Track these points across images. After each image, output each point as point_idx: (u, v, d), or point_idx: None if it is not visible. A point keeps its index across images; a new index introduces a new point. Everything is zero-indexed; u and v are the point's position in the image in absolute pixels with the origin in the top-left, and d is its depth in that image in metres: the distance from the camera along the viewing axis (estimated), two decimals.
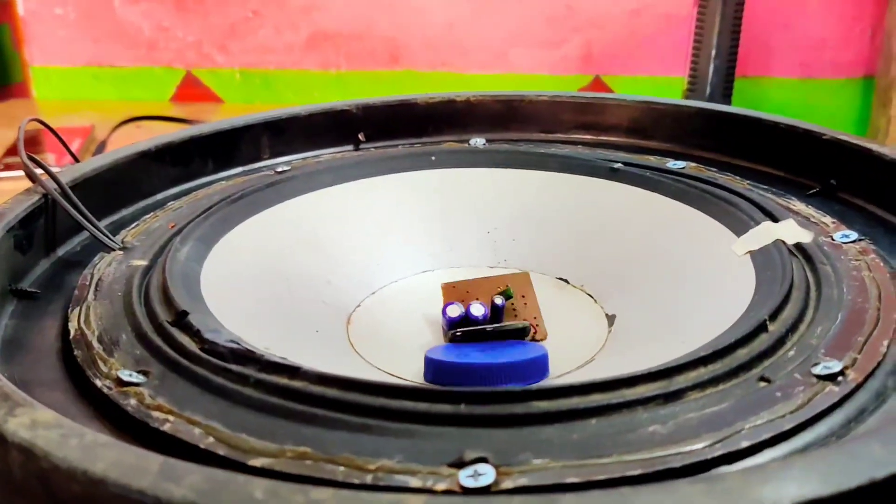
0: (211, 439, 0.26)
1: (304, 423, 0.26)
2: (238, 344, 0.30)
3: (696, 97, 1.01)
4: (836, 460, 0.21)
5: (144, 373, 0.30)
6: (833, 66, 1.17)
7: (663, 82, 1.18)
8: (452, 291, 0.41)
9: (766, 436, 0.26)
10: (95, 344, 0.32)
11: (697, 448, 0.25)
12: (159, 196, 0.49)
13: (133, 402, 0.28)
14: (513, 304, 0.41)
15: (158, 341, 0.31)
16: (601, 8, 1.18)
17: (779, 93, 1.18)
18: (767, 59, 1.17)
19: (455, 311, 0.39)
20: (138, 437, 0.27)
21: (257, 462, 0.25)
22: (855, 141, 0.47)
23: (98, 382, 0.30)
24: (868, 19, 1.13)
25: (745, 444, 0.25)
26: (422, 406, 0.27)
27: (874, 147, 0.45)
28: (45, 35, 1.38)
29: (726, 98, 1.00)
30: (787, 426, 0.26)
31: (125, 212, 0.47)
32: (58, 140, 0.49)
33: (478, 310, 0.39)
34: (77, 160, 0.49)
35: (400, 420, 0.26)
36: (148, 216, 0.45)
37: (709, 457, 0.25)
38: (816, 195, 0.47)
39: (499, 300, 0.39)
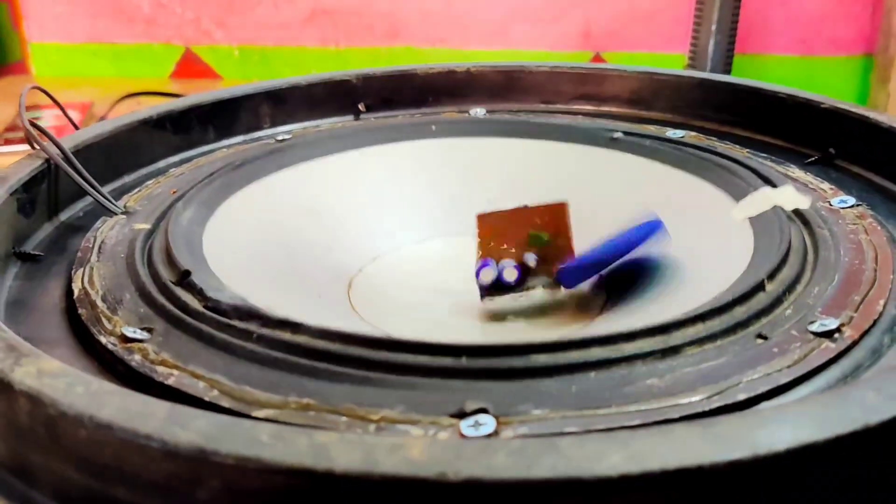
0: (215, 392, 0.26)
1: (306, 376, 0.27)
2: (241, 301, 0.30)
3: None
4: (831, 406, 0.22)
5: (148, 329, 0.30)
6: (833, 44, 1.17)
7: (663, 59, 1.17)
8: (486, 224, 0.41)
9: (762, 389, 0.26)
10: (99, 303, 0.32)
11: (695, 400, 0.26)
12: (161, 163, 0.49)
13: (138, 357, 0.29)
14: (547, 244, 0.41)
15: (162, 299, 0.32)
16: None
17: (778, 70, 1.17)
18: (767, 36, 1.17)
19: (488, 276, 0.39)
20: (144, 391, 0.27)
21: (261, 413, 0.25)
22: (853, 109, 0.47)
23: (103, 339, 0.30)
24: None
25: (741, 396, 0.26)
26: (422, 359, 0.27)
27: (872, 115, 0.45)
28: (43, 11, 1.37)
29: (726, 75, 1.00)
30: (784, 380, 0.27)
31: (127, 178, 0.47)
32: (57, 107, 0.49)
33: (510, 274, 0.39)
34: (77, 128, 0.49)
35: (401, 373, 0.26)
36: (150, 182, 0.45)
37: (706, 409, 0.25)
38: (815, 163, 0.47)
39: (531, 260, 0.40)
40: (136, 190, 0.44)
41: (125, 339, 0.30)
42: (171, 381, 0.27)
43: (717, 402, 0.26)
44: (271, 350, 0.28)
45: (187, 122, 0.51)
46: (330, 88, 0.57)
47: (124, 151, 0.47)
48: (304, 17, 1.30)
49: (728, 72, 1.02)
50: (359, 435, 0.20)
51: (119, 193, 0.45)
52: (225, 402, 0.26)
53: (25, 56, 1.41)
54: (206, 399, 0.26)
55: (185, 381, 0.27)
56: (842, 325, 0.30)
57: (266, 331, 0.29)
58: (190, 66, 1.37)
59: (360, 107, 0.57)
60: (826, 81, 1.17)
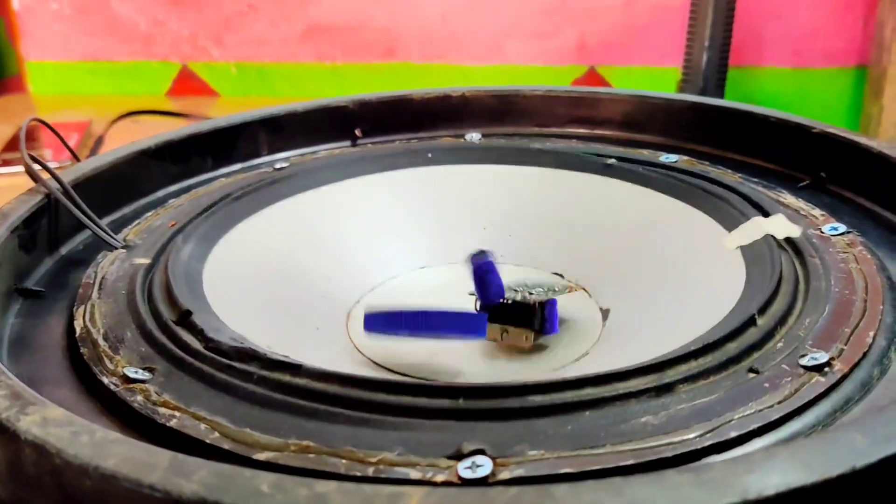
0: (216, 434, 0.27)
1: (306, 417, 0.27)
2: (240, 342, 0.31)
3: (689, 87, 1.02)
4: (819, 450, 0.22)
5: (150, 370, 0.31)
6: (825, 56, 1.18)
7: (658, 73, 1.18)
8: None
9: (754, 426, 0.27)
10: (101, 341, 0.33)
11: (688, 438, 0.26)
12: (160, 193, 0.50)
13: (140, 398, 0.29)
14: None
15: (163, 339, 0.32)
16: None
17: (771, 82, 1.18)
18: (760, 48, 1.18)
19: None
20: (145, 433, 0.28)
21: (262, 456, 0.26)
22: (844, 134, 0.47)
23: (105, 379, 0.30)
24: (860, 8, 1.14)
25: (733, 433, 0.26)
26: (421, 401, 0.27)
27: (862, 140, 0.46)
28: (40, 30, 1.38)
29: (720, 88, 1.01)
30: (775, 416, 0.27)
31: (126, 210, 0.48)
32: (57, 137, 0.49)
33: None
34: (77, 158, 0.49)
35: (399, 414, 0.27)
36: (149, 214, 0.46)
37: (699, 446, 0.26)
38: (807, 188, 0.48)
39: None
40: (136, 222, 0.44)
41: (127, 380, 0.30)
42: (173, 424, 0.28)
43: (709, 440, 0.26)
44: (271, 392, 0.28)
45: (186, 152, 0.51)
46: (327, 114, 0.57)
47: (123, 183, 0.48)
48: (300, 34, 1.31)
49: (722, 85, 1.03)
50: (357, 485, 0.21)
51: (119, 225, 0.45)
52: (226, 445, 0.26)
53: (22, 74, 1.42)
54: (208, 441, 0.27)
55: (186, 423, 0.28)
56: (832, 358, 0.30)
57: (266, 372, 0.29)
58: (187, 83, 1.38)
59: (357, 132, 0.58)
60: (819, 94, 1.18)
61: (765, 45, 1.18)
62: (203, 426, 0.27)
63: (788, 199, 0.45)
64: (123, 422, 0.29)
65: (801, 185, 0.48)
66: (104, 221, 0.45)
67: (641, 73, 1.20)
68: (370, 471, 0.25)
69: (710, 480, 0.21)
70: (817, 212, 0.43)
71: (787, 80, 1.18)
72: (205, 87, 1.38)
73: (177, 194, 0.49)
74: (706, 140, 0.54)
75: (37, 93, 1.42)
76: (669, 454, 0.25)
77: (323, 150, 0.56)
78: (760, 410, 0.27)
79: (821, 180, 0.48)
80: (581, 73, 1.22)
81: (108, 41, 1.37)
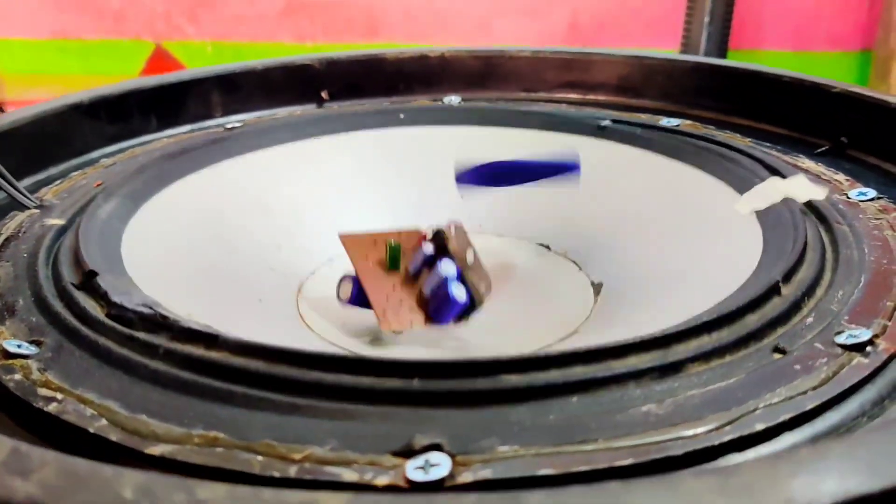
0: (103, 422, 0.21)
1: (218, 402, 0.22)
2: (149, 308, 0.25)
3: None
4: (883, 446, 0.16)
5: (37, 343, 0.25)
6: (829, 39, 1.12)
7: (652, 52, 1.13)
8: (355, 243, 0.35)
9: (784, 416, 0.21)
10: None
11: (701, 432, 0.21)
12: (94, 154, 0.44)
13: (17, 377, 0.23)
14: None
15: (58, 307, 0.26)
16: None
17: (772, 66, 1.13)
18: (761, 30, 1.12)
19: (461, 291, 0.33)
20: (19, 419, 0.22)
21: (156, 450, 0.20)
22: (868, 93, 0.42)
23: None
24: None
25: (759, 426, 0.21)
26: (364, 381, 0.22)
27: (891, 99, 0.41)
28: (8, 6, 1.31)
29: None
30: (810, 405, 0.22)
31: (53, 170, 0.42)
32: None
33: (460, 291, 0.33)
34: (2, 110, 0.44)
35: (336, 398, 0.21)
36: (75, 174, 0.40)
37: (716, 443, 0.20)
38: (826, 153, 0.42)
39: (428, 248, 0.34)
40: (58, 182, 0.39)
41: (6, 355, 0.24)
42: (51, 408, 0.22)
43: (728, 434, 0.21)
44: (179, 369, 0.23)
45: (126, 109, 0.46)
46: (289, 73, 0.51)
47: (50, 139, 0.42)
48: (279, 11, 1.25)
49: None
50: (254, 490, 0.15)
51: (41, 186, 0.39)
52: (114, 436, 0.21)
53: None
54: (91, 431, 0.21)
55: (69, 407, 0.22)
56: (875, 335, 0.25)
57: (175, 345, 0.23)
58: (161, 63, 1.31)
59: (323, 94, 0.52)
60: (823, 77, 1.13)
61: (766, 28, 1.13)
62: (89, 412, 0.22)
63: (807, 163, 0.40)
64: None
65: (819, 150, 0.42)
66: (27, 181, 0.40)
67: None
68: (292, 470, 0.19)
69: (741, 486, 0.15)
70: (841, 177, 0.38)
71: (788, 63, 1.13)
72: (179, 66, 1.31)
73: (114, 155, 0.43)
74: (710, 104, 0.49)
75: (5, 71, 1.36)
76: (679, 452, 0.20)
77: (283, 112, 0.50)
78: (791, 398, 0.22)
79: (841, 145, 0.42)
80: None
81: (79, 18, 1.31)
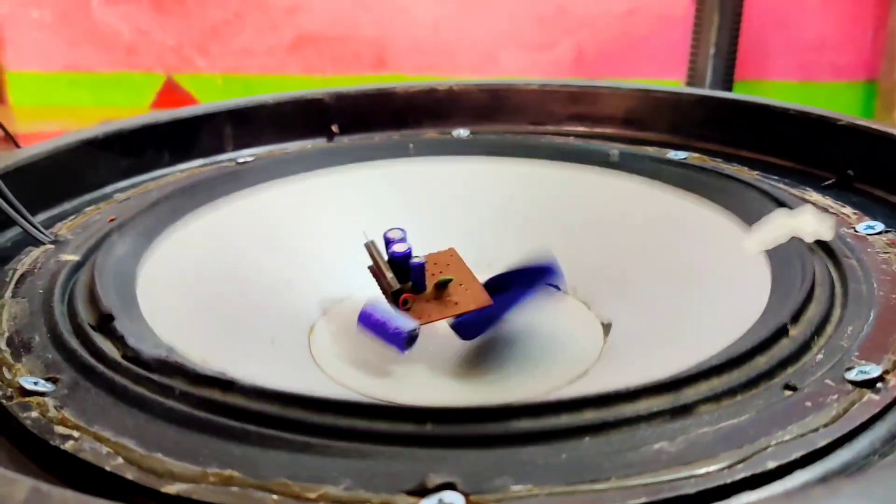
0: (119, 460, 0.21)
1: (233, 441, 0.22)
2: (166, 353, 0.25)
3: None
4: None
5: (53, 380, 0.25)
6: (833, 69, 1.13)
7: (659, 85, 1.14)
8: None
9: (796, 454, 0.21)
10: (3, 346, 0.27)
11: (714, 470, 0.21)
12: (108, 189, 0.44)
13: (34, 414, 0.24)
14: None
15: (74, 344, 0.27)
16: (593, 8, 1.14)
17: (778, 96, 1.13)
18: (765, 61, 1.13)
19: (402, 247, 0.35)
20: (36, 457, 0.23)
21: (172, 488, 0.20)
22: (874, 127, 0.42)
23: None
24: (870, 20, 1.09)
25: (771, 464, 0.21)
26: (379, 426, 0.22)
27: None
28: (20, 39, 1.33)
29: None
30: (821, 442, 0.22)
31: (67, 205, 0.42)
32: None
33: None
34: (17, 145, 0.44)
35: (349, 439, 0.21)
36: (89, 208, 0.40)
37: (728, 481, 0.20)
38: (832, 186, 0.42)
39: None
40: (72, 217, 0.39)
41: (23, 392, 0.25)
42: (68, 446, 0.22)
43: (741, 472, 0.21)
44: (194, 409, 0.23)
45: (139, 144, 0.46)
46: (300, 108, 0.52)
47: (65, 175, 0.43)
48: (288, 44, 1.26)
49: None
50: None
51: (56, 221, 0.40)
52: (130, 474, 0.21)
53: (2, 85, 1.37)
54: (108, 469, 0.21)
55: (85, 445, 0.22)
56: (885, 371, 0.25)
57: (191, 388, 0.24)
58: (171, 95, 1.33)
59: (334, 128, 0.52)
60: (827, 108, 1.13)
61: (771, 59, 1.13)
62: (105, 450, 0.22)
63: (814, 196, 0.40)
64: (13, 442, 0.23)
65: (826, 183, 0.43)
66: (41, 216, 0.40)
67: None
68: None
69: None
70: (848, 210, 0.38)
71: (793, 93, 1.13)
72: (190, 99, 1.33)
73: (127, 190, 0.44)
74: (717, 137, 0.49)
75: (17, 104, 1.37)
76: (691, 490, 0.20)
77: (294, 146, 0.51)
78: (803, 435, 0.22)
79: (848, 178, 0.42)
80: None
81: (90, 51, 1.32)
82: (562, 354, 0.35)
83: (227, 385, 0.24)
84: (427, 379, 0.34)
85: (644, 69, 1.14)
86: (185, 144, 0.48)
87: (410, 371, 0.34)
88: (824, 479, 0.21)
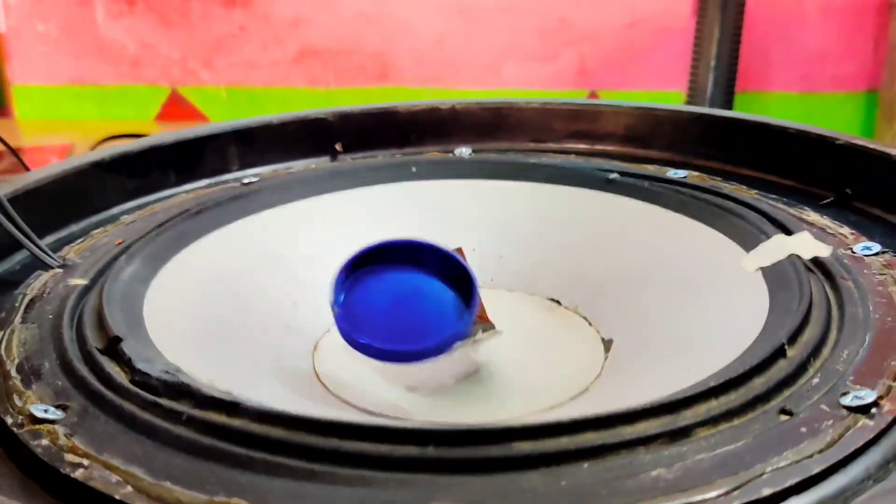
0: (129, 489, 0.22)
1: (240, 468, 0.22)
2: (172, 375, 0.26)
3: None
4: None
5: (62, 407, 0.26)
6: (835, 80, 1.14)
7: (660, 97, 1.14)
8: None
9: (791, 481, 0.22)
10: (14, 373, 0.28)
11: (710, 497, 0.21)
12: (114, 210, 0.45)
13: (45, 442, 0.24)
14: None
15: (83, 371, 0.27)
16: (595, 21, 1.15)
17: (779, 108, 1.14)
18: (767, 72, 1.14)
19: None
20: (46, 485, 0.23)
21: None
22: (872, 146, 0.43)
23: (9, 419, 0.25)
24: (870, 31, 1.10)
25: (766, 491, 0.21)
26: (382, 448, 0.22)
27: (894, 152, 0.41)
28: (26, 52, 1.34)
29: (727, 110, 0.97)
30: (816, 468, 0.22)
31: (74, 227, 0.43)
32: (6, 147, 0.45)
33: None
34: (26, 168, 0.45)
35: (353, 465, 0.22)
36: (97, 231, 0.41)
37: None
38: (830, 205, 0.43)
39: None
40: (80, 240, 0.40)
41: (34, 420, 0.25)
42: (78, 475, 0.23)
43: (737, 500, 0.21)
44: (201, 435, 0.23)
45: (145, 165, 0.47)
46: (304, 127, 0.53)
47: (73, 197, 0.43)
48: (292, 57, 1.27)
49: (729, 108, 0.99)
50: None
51: (66, 244, 0.40)
52: (139, 503, 0.21)
53: (8, 98, 1.38)
54: (117, 498, 0.22)
55: (95, 473, 0.23)
56: (880, 397, 0.25)
57: (197, 412, 0.24)
58: (176, 108, 1.34)
59: (337, 147, 0.53)
60: (829, 119, 1.14)
61: (772, 70, 1.14)
62: (115, 478, 0.22)
63: (812, 216, 0.40)
64: (24, 470, 0.24)
65: (824, 202, 0.43)
66: (49, 239, 0.41)
67: (644, 97, 1.16)
68: None
69: None
70: (846, 230, 0.38)
71: (795, 105, 1.14)
72: (194, 111, 1.34)
73: (133, 211, 0.44)
74: (717, 155, 0.50)
75: (22, 117, 1.38)
76: None
77: (299, 165, 0.51)
78: (798, 461, 0.23)
79: (846, 197, 0.43)
80: (582, 98, 1.18)
81: (96, 64, 1.34)
82: (564, 370, 0.36)
83: (233, 407, 0.24)
84: (430, 394, 0.34)
85: (645, 81, 1.15)
86: (190, 165, 0.49)
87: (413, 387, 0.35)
88: None
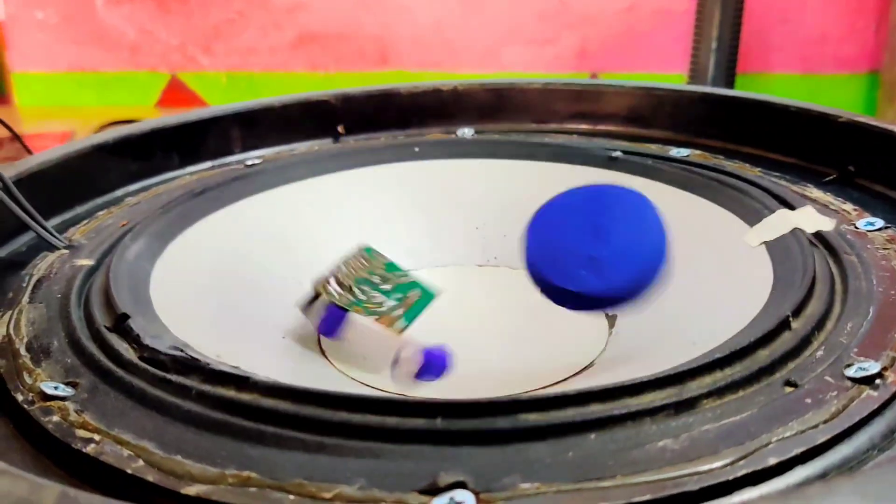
0: (140, 463, 0.22)
1: (250, 442, 0.22)
2: (181, 351, 0.26)
3: None
4: (891, 481, 0.17)
5: (73, 384, 0.26)
6: (836, 61, 1.13)
7: (662, 79, 1.14)
8: None
9: (797, 450, 0.22)
10: (23, 352, 0.28)
11: (716, 467, 0.21)
12: (118, 192, 0.45)
13: (55, 418, 0.24)
14: None
15: (92, 348, 0.27)
16: (595, 3, 1.14)
17: (781, 89, 1.14)
18: (768, 54, 1.13)
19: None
20: (59, 460, 0.23)
21: (192, 490, 0.21)
22: (874, 123, 0.43)
23: (19, 396, 0.26)
24: (871, 12, 1.10)
25: (772, 460, 0.22)
26: (390, 421, 0.23)
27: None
28: (25, 40, 1.34)
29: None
30: (821, 438, 0.22)
31: (79, 209, 0.43)
32: (9, 131, 0.45)
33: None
34: (29, 151, 0.45)
35: (363, 438, 0.22)
36: (101, 213, 0.41)
37: (730, 477, 0.21)
38: (833, 182, 0.43)
39: None
40: (85, 221, 0.40)
41: (44, 397, 0.25)
42: (89, 449, 0.23)
43: (743, 469, 0.21)
44: (211, 410, 0.24)
45: (148, 148, 0.47)
46: (306, 109, 0.53)
47: (77, 180, 0.43)
48: (291, 42, 1.27)
49: (731, 88, 0.99)
50: None
51: (70, 225, 0.40)
52: (151, 476, 0.22)
53: (8, 85, 1.38)
54: (129, 472, 0.22)
55: (106, 448, 0.23)
56: (884, 368, 0.25)
57: (207, 387, 0.24)
58: (176, 94, 1.34)
59: (340, 129, 0.53)
60: (830, 100, 1.13)
61: (773, 51, 1.14)
62: (126, 452, 0.23)
63: (815, 193, 0.40)
64: (35, 446, 0.24)
65: (827, 179, 0.43)
66: (53, 221, 0.41)
67: (645, 79, 1.16)
68: None
69: None
70: (849, 206, 0.38)
71: (796, 85, 1.14)
72: (194, 97, 1.34)
73: (137, 193, 0.44)
74: (719, 134, 0.50)
75: (22, 104, 1.38)
76: (694, 487, 0.21)
77: (302, 147, 0.51)
78: (803, 431, 0.23)
79: (849, 174, 0.43)
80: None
81: (96, 51, 1.33)
82: (568, 346, 0.36)
83: (242, 381, 0.24)
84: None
85: (646, 63, 1.14)
86: (193, 147, 0.49)
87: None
88: (824, 475, 0.22)
